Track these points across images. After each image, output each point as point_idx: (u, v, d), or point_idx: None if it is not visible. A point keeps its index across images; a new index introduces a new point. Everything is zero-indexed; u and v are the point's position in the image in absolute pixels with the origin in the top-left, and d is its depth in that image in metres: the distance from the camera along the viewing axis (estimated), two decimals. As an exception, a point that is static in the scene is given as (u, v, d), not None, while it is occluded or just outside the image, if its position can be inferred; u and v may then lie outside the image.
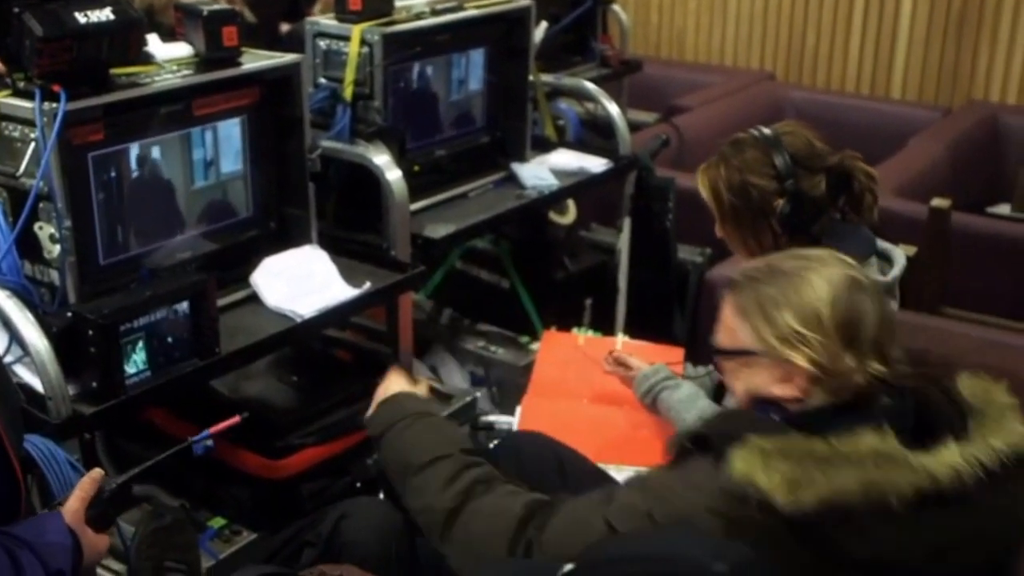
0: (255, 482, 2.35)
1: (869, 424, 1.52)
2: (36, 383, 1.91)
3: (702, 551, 1.42)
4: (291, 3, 4.94)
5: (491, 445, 2.49)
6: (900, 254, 2.30)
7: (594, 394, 2.66)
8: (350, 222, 2.73)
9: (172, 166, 2.24)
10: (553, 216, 3.58)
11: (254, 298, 2.34)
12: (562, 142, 3.49)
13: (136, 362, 1.98)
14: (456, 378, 3.32)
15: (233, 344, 2.15)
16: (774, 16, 5.70)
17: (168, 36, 2.29)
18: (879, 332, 1.59)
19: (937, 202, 3.37)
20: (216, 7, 2.25)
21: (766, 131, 2.26)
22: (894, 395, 1.60)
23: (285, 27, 4.71)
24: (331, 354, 2.80)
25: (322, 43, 2.73)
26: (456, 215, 2.90)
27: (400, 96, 2.84)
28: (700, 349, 2.68)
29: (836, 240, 2.25)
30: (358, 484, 2.42)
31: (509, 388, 3.20)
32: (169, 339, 2.02)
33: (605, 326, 3.38)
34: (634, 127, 3.77)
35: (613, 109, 3.44)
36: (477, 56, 3.07)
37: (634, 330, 3.10)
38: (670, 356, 2.69)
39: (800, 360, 1.58)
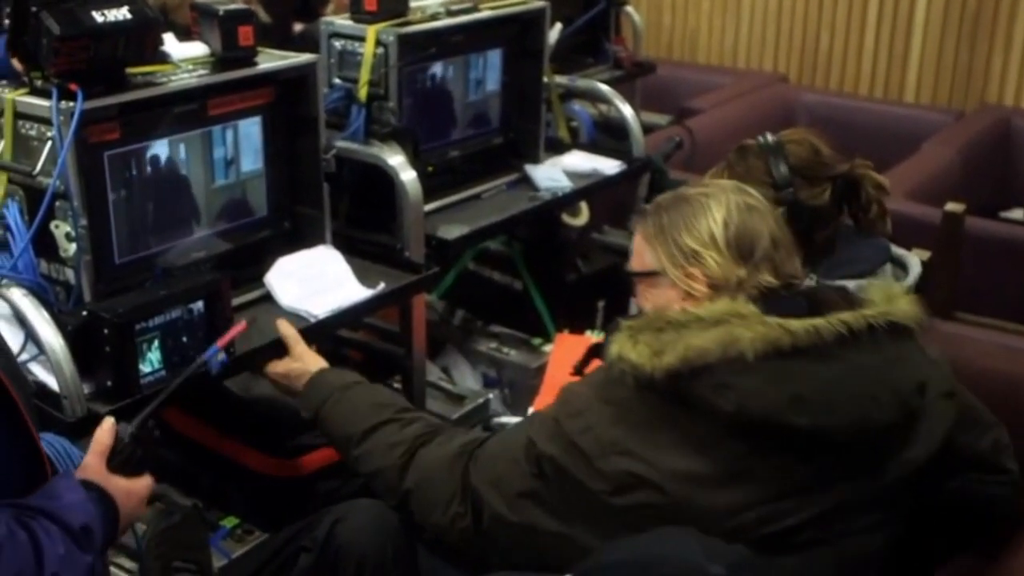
0: (267, 482, 2.35)
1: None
2: (51, 381, 1.91)
3: (698, 554, 1.46)
4: (303, 2, 4.95)
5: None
6: (915, 261, 2.29)
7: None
8: (363, 222, 2.73)
9: (191, 164, 2.24)
10: (566, 218, 3.58)
11: (268, 298, 2.34)
12: (575, 144, 3.49)
13: (151, 361, 1.98)
14: (468, 379, 3.31)
15: (247, 344, 2.16)
16: (787, 18, 5.70)
17: (181, 35, 2.30)
18: (772, 250, 1.72)
19: (951, 206, 3.36)
20: (232, 7, 2.25)
21: (771, 139, 2.25)
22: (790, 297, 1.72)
23: (298, 26, 4.72)
24: (343, 354, 2.80)
25: (337, 43, 2.73)
26: (469, 216, 2.89)
27: (414, 97, 2.84)
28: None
29: (848, 247, 2.25)
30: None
31: (521, 390, 3.20)
32: (184, 338, 2.02)
33: (617, 328, 3.37)
34: (647, 129, 3.76)
35: (627, 111, 3.44)
36: (492, 57, 3.06)
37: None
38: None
39: (698, 275, 1.73)
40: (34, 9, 1.90)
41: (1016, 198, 4.70)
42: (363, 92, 2.66)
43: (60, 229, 1.99)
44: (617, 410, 1.63)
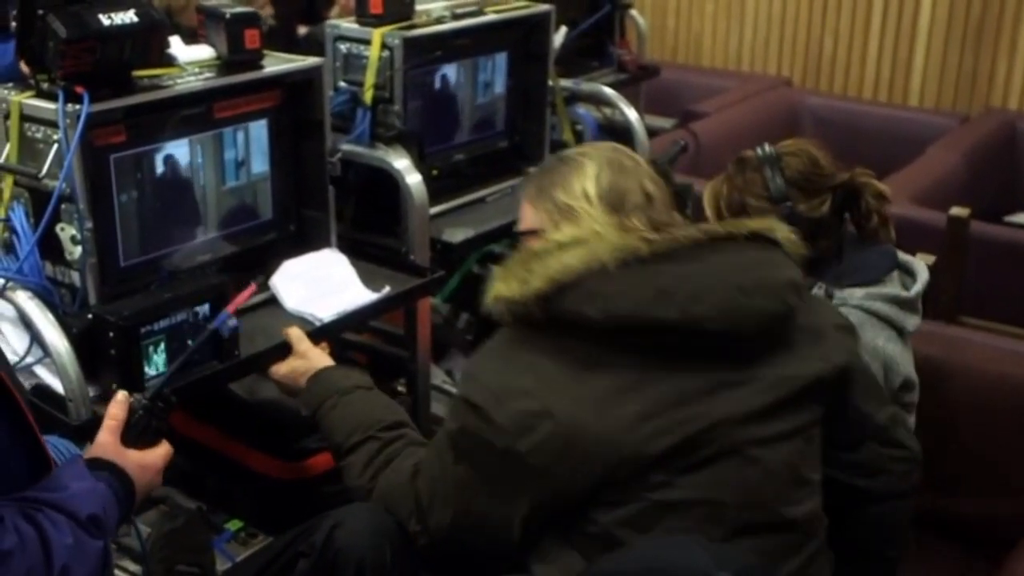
0: (273, 484, 2.35)
1: None
2: (56, 384, 1.91)
3: (705, 560, 1.46)
4: (308, 4, 4.96)
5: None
6: (923, 268, 2.28)
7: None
8: (369, 225, 2.73)
9: (199, 167, 2.25)
10: (570, 221, 3.57)
11: (273, 301, 2.34)
12: (580, 147, 3.48)
13: (156, 364, 1.98)
14: (472, 382, 3.31)
15: (252, 347, 2.16)
16: (791, 21, 5.70)
17: (187, 38, 2.30)
18: (644, 203, 1.79)
19: (956, 211, 3.36)
20: (238, 10, 2.25)
21: (769, 151, 2.25)
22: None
23: (303, 29, 4.73)
24: (348, 357, 2.80)
25: (342, 46, 2.73)
26: (474, 219, 2.89)
27: (419, 100, 2.84)
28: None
29: (855, 255, 2.24)
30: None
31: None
32: (189, 341, 2.02)
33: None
34: (651, 132, 3.77)
35: (631, 114, 3.44)
36: (497, 61, 3.07)
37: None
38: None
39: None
40: (41, 12, 1.90)
41: (1021, 202, 4.68)
42: (368, 95, 2.67)
43: (66, 232, 1.99)
44: (502, 356, 1.70)
